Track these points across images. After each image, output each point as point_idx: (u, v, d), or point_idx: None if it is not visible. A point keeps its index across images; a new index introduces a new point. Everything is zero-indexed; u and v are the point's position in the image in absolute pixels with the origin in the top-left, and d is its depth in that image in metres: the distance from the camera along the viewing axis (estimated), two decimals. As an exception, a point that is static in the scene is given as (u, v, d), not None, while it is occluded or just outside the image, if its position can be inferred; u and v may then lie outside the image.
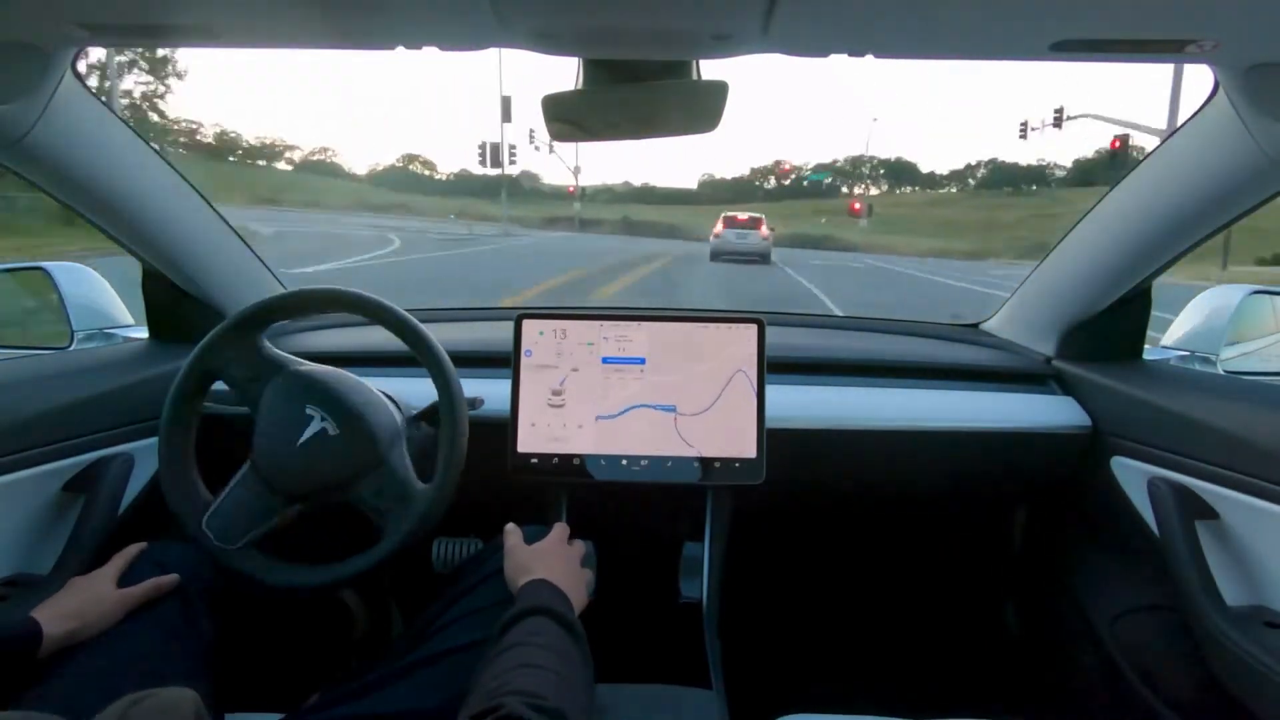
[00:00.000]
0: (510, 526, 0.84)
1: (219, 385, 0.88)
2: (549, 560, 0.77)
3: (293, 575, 0.82)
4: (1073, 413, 1.11)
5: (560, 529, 0.85)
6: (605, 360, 1.02)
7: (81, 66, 0.81)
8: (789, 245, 32.08)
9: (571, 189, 41.91)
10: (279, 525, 0.83)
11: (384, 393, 0.91)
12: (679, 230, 38.96)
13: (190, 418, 0.86)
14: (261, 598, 0.90)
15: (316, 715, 0.71)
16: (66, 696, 0.64)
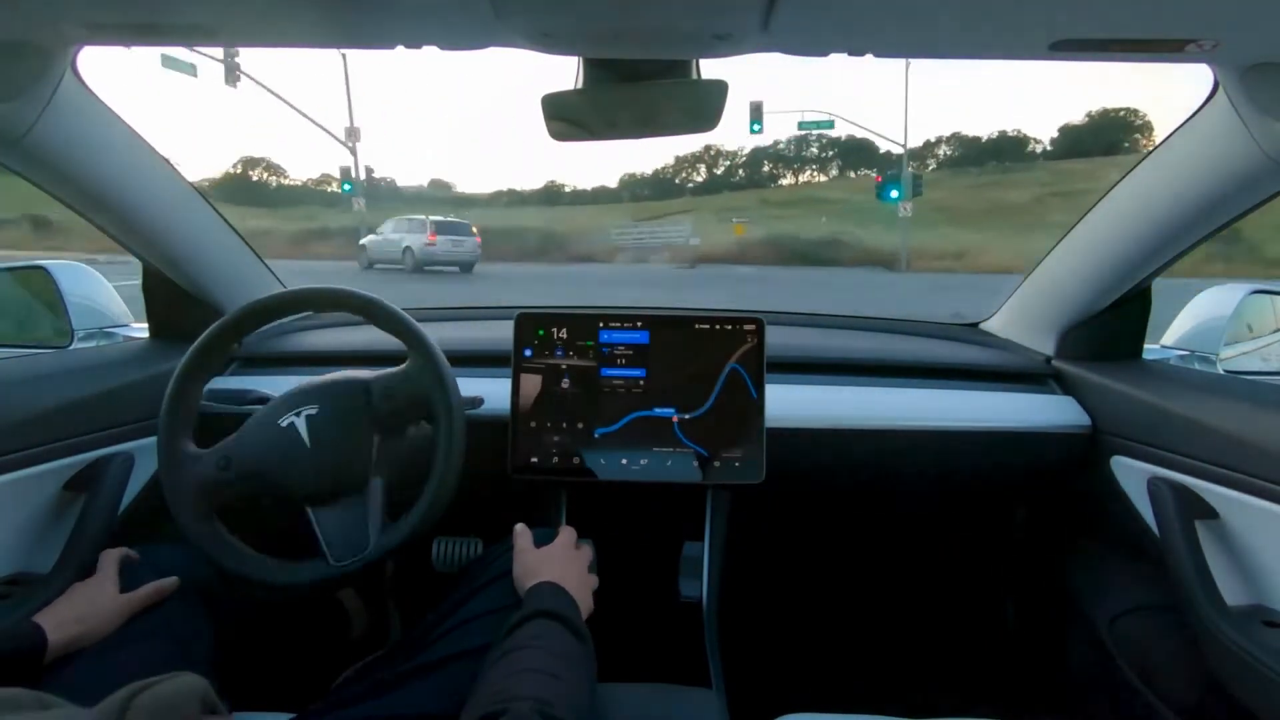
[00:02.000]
0: (520, 528, 0.84)
1: (215, 475, 0.84)
2: (557, 564, 0.77)
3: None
4: (1072, 412, 1.11)
5: (568, 533, 0.85)
6: (604, 373, 1.02)
7: (82, 65, 0.81)
8: (774, 263, 19.39)
9: (348, 177, 18.08)
10: (384, 505, 0.84)
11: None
12: (558, 242, 23.61)
13: (188, 419, 0.86)
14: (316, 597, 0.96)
15: (323, 717, 0.71)
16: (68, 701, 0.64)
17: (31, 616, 0.71)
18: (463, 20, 0.61)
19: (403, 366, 0.87)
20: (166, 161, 1.01)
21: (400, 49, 0.67)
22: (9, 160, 0.83)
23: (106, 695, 0.51)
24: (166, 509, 0.82)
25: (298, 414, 0.83)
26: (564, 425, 1.01)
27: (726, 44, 0.64)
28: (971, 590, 1.43)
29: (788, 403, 1.07)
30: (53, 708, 0.43)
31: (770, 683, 1.16)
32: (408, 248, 14.76)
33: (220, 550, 0.82)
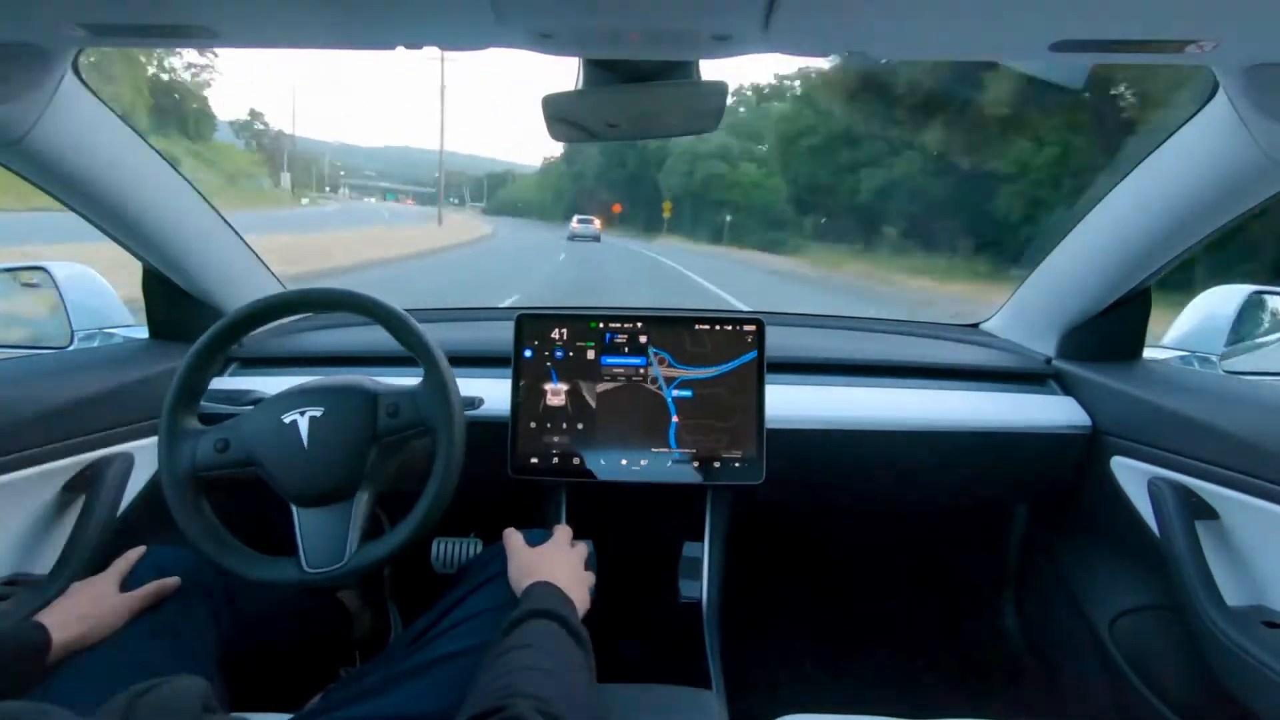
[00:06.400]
0: (509, 531, 0.84)
1: (212, 457, 0.84)
2: (552, 563, 0.77)
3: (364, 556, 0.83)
4: (1073, 413, 1.11)
5: (562, 531, 0.85)
6: (605, 361, 1.02)
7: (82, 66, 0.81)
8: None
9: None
10: (366, 521, 0.84)
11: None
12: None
13: (189, 422, 0.86)
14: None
15: (319, 717, 0.71)
16: (71, 701, 0.64)
17: (35, 616, 0.71)
18: (463, 21, 0.61)
19: (411, 386, 0.87)
20: (167, 162, 1.01)
21: (400, 49, 0.67)
22: (9, 160, 0.83)
23: (109, 694, 0.51)
24: (166, 509, 0.82)
25: (301, 413, 0.83)
26: (564, 426, 1.01)
27: (726, 45, 0.64)
28: (971, 590, 1.43)
29: (788, 403, 1.07)
30: (52, 714, 0.43)
31: (770, 683, 1.16)
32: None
33: (203, 533, 0.81)
